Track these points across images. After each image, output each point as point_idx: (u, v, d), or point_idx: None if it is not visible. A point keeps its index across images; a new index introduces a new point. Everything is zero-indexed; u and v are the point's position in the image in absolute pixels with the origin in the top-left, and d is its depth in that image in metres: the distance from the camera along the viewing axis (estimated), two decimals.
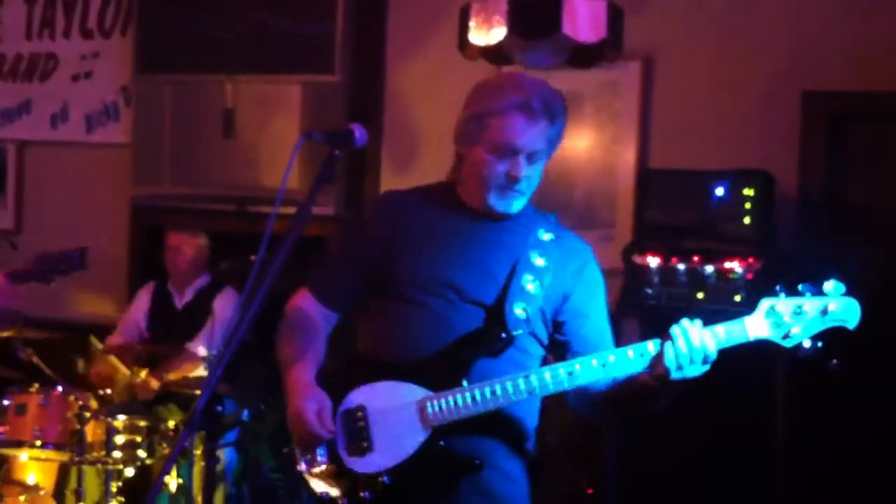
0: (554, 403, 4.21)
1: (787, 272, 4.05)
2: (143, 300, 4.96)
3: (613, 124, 4.74)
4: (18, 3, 5.95)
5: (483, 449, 2.27)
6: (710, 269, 3.93)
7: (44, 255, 3.29)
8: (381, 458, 2.25)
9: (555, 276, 2.35)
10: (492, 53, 4.22)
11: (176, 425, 4.17)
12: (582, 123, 4.79)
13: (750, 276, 3.89)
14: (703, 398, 3.85)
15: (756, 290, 3.87)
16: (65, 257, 3.25)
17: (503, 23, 4.04)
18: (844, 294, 2.13)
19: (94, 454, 4.06)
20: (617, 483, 4.10)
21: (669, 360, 2.11)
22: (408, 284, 2.34)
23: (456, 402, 2.22)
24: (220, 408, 3.67)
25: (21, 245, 5.91)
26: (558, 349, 2.40)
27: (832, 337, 2.13)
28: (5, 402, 4.10)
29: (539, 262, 2.34)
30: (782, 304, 2.13)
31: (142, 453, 4.08)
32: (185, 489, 4.20)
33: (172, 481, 4.14)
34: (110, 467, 4.10)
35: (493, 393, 2.21)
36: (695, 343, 2.11)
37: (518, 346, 2.32)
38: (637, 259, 4.10)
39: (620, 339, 2.42)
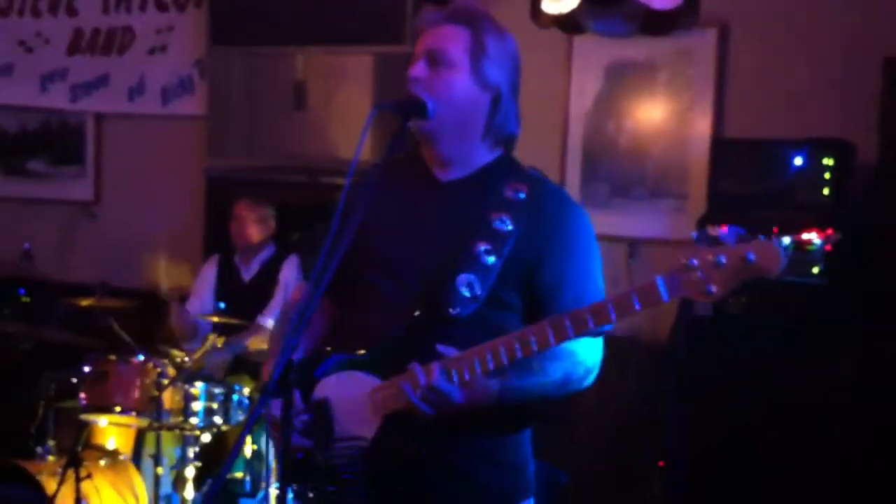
0: (626, 373, 4.22)
1: (866, 244, 3.98)
2: (208, 275, 4.98)
3: (688, 93, 4.67)
4: None
5: (440, 434, 2.08)
6: (787, 240, 3.84)
7: None
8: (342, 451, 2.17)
9: (520, 241, 2.10)
10: (564, 21, 4.17)
11: (251, 393, 4.24)
12: (655, 92, 4.73)
13: (829, 247, 3.79)
14: (776, 365, 3.83)
15: (835, 262, 3.79)
16: None
17: None
18: (766, 238, 1.92)
19: (172, 420, 4.15)
20: (686, 453, 4.07)
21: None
22: (360, 266, 2.18)
23: (398, 390, 2.06)
24: (294, 376, 3.71)
25: (100, 215, 6.06)
26: (535, 322, 2.10)
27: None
28: (86, 370, 4.20)
29: (501, 225, 2.10)
30: (699, 255, 1.90)
31: (218, 419, 4.17)
32: (260, 455, 4.27)
33: (247, 447, 4.23)
34: (188, 433, 4.19)
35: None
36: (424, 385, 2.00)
37: (477, 321, 2.08)
38: (711, 230, 4.04)
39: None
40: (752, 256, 1.88)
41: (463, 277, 2.07)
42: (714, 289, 1.88)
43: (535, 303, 2.15)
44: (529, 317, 2.15)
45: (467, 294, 2.07)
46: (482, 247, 2.08)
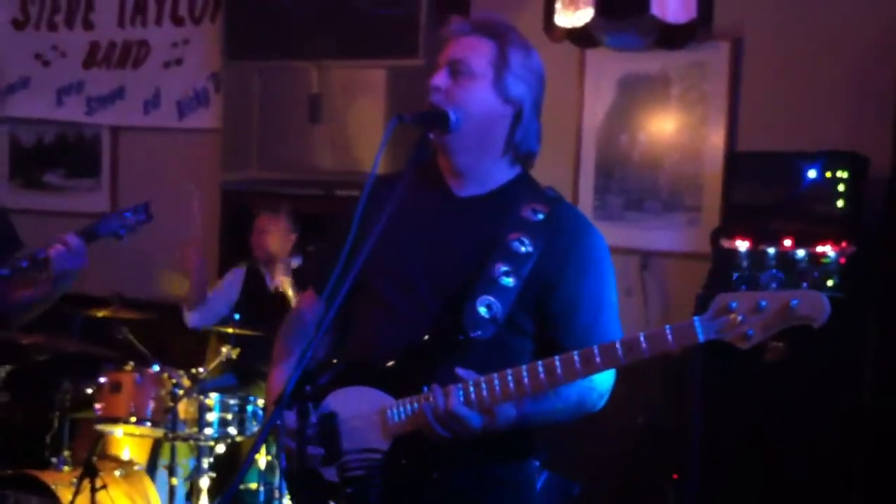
0: (640, 384, 4.21)
1: (880, 256, 3.98)
2: (232, 284, 5.02)
3: (701, 106, 4.68)
4: None
5: (449, 457, 2.03)
6: (801, 253, 3.85)
7: (111, 213, 3.36)
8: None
9: (538, 262, 2.06)
10: (578, 35, 4.19)
11: (265, 404, 4.25)
12: (669, 105, 4.74)
13: (843, 260, 3.80)
14: (791, 377, 3.83)
15: (849, 275, 3.79)
16: (132, 212, 3.29)
17: (590, 3, 4.01)
18: (809, 287, 1.89)
19: (187, 431, 4.17)
20: (700, 464, 4.06)
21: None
22: (372, 277, 2.11)
23: (413, 411, 2.03)
24: (309, 388, 3.73)
25: None
26: (547, 346, 2.09)
27: (797, 336, 1.87)
28: (102, 380, 4.22)
29: (519, 246, 2.06)
30: (741, 299, 1.86)
31: (232, 430, 4.18)
32: (274, 466, 4.28)
33: (262, 458, 4.24)
34: (202, 443, 4.20)
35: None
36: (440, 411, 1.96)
37: (494, 344, 2.05)
38: (725, 243, 4.04)
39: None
40: (797, 303, 1.82)
41: (483, 299, 2.03)
42: (753, 333, 1.85)
43: (547, 325, 2.11)
44: (541, 340, 2.12)
45: (487, 316, 2.03)
46: (501, 268, 2.04)
